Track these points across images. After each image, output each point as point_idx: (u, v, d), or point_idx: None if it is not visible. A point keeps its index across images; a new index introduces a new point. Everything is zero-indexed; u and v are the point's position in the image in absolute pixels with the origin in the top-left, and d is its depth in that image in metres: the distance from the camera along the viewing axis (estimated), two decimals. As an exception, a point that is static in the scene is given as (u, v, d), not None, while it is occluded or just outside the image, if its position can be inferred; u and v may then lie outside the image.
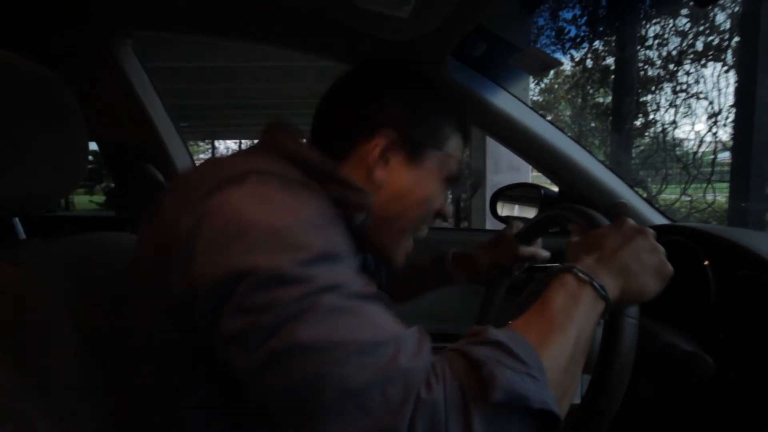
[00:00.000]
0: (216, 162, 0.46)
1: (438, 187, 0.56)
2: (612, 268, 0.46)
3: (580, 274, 0.43)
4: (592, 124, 4.43)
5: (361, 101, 0.54)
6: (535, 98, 6.04)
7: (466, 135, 0.59)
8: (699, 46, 2.74)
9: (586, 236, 0.52)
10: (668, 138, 2.98)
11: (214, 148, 17.49)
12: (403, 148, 0.53)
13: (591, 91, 4.35)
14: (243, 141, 18.35)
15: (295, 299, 0.34)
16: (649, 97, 3.11)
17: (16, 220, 0.63)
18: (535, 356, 0.36)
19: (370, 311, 0.37)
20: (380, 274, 0.70)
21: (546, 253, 0.82)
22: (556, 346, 0.39)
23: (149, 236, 0.44)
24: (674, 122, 2.90)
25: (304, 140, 0.54)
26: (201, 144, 18.48)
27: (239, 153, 0.52)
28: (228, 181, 0.40)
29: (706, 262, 0.61)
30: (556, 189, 1.09)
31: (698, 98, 2.69)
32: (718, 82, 2.53)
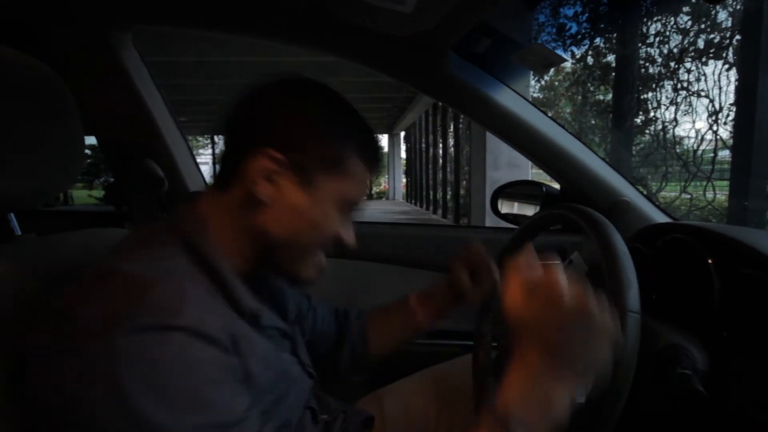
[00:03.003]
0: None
1: (332, 212, 0.53)
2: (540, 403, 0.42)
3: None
4: (593, 122, 4.43)
5: (247, 122, 0.52)
6: (535, 95, 6.04)
7: (372, 158, 0.56)
8: (700, 43, 2.74)
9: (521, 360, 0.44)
10: (668, 136, 2.97)
11: (213, 143, 17.47)
12: (292, 171, 0.50)
13: (591, 89, 4.34)
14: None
15: None
16: (650, 94, 3.10)
17: (12, 215, 0.62)
18: None
19: None
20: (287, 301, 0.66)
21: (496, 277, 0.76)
22: None
23: None
24: (675, 120, 2.89)
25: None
26: (200, 139, 18.48)
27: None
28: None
29: (709, 261, 0.61)
30: (557, 186, 1.08)
31: (699, 96, 2.68)
32: (719, 80, 2.53)
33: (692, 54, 2.75)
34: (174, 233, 0.49)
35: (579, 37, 3.62)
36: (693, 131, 2.77)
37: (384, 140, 18.96)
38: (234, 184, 0.51)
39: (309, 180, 0.51)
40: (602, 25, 3.57)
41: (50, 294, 0.48)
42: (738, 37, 2.49)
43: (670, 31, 2.93)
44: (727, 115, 2.49)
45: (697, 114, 2.76)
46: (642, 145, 3.29)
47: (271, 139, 0.49)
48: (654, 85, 3.06)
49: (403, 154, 17.12)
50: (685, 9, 2.82)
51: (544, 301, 0.42)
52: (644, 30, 3.09)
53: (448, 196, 9.67)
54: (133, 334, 0.38)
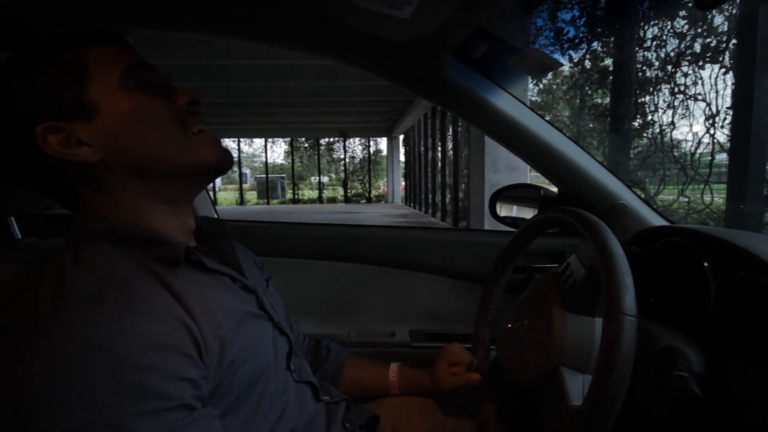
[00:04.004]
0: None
1: (134, 97, 0.50)
2: None
3: None
4: (591, 125, 4.44)
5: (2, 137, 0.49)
6: (533, 99, 6.06)
7: (98, 39, 0.51)
8: (697, 47, 2.75)
9: None
10: (666, 139, 2.98)
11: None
12: (71, 121, 0.48)
13: (589, 92, 4.36)
14: (241, 139, 18.38)
15: None
16: (647, 98, 3.12)
17: (12, 219, 0.63)
18: None
19: None
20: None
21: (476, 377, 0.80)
22: None
23: None
24: (672, 123, 2.91)
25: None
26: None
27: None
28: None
29: (706, 264, 0.61)
30: (555, 189, 1.09)
31: (696, 100, 2.70)
32: (716, 84, 2.54)
33: (689, 58, 2.76)
34: (86, 233, 0.49)
35: (577, 41, 3.63)
36: (690, 135, 2.78)
37: (383, 143, 19.00)
38: (74, 180, 0.50)
39: (85, 107, 0.48)
40: (600, 29, 3.58)
41: None
42: (734, 41, 2.50)
43: (667, 35, 2.94)
44: (724, 119, 2.51)
45: (695, 117, 2.77)
46: (640, 149, 3.30)
47: (28, 123, 0.47)
48: (651, 89, 3.08)
49: (402, 157, 17.14)
50: (682, 13, 2.84)
51: None
52: (641, 34, 3.11)
53: (447, 199, 9.68)
54: (49, 329, 0.38)
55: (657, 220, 0.99)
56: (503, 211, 1.19)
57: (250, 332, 0.54)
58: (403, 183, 17.24)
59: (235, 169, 22.54)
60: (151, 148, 0.50)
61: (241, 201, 19.56)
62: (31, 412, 0.35)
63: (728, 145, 2.41)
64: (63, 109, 0.48)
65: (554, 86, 6.03)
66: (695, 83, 2.69)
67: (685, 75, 2.76)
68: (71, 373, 0.36)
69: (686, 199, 2.78)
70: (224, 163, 0.55)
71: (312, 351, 0.85)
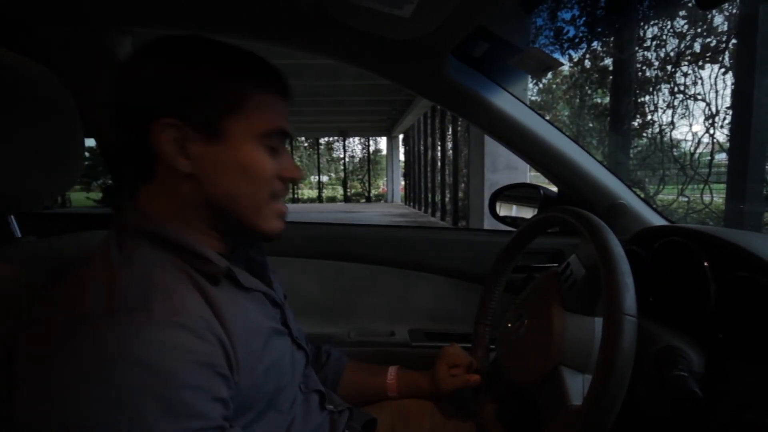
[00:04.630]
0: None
1: (257, 152, 0.51)
2: None
3: None
4: (590, 125, 4.44)
5: (129, 102, 0.49)
6: (533, 98, 6.06)
7: (270, 82, 0.53)
8: (697, 47, 2.75)
9: None
10: (666, 139, 2.99)
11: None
12: (195, 131, 0.48)
13: (589, 92, 4.36)
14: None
15: None
16: (647, 97, 3.12)
17: (11, 217, 0.63)
18: None
19: None
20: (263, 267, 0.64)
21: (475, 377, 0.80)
22: None
23: None
24: (672, 123, 2.91)
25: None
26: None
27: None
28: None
29: (705, 264, 0.61)
30: (555, 189, 1.09)
31: (696, 99, 2.70)
32: (716, 84, 2.54)
33: (689, 57, 2.76)
34: (132, 230, 0.49)
35: (576, 40, 3.64)
36: (690, 134, 2.79)
37: (383, 143, 18.99)
38: (155, 169, 0.50)
39: (215, 131, 0.49)
40: (599, 29, 3.58)
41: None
42: (734, 40, 2.50)
43: (666, 34, 2.94)
44: (724, 119, 2.51)
45: (694, 117, 2.78)
46: (639, 148, 3.30)
47: (159, 109, 0.47)
48: (651, 89, 3.08)
49: (402, 157, 17.14)
50: (682, 13, 2.84)
51: None
52: (641, 33, 3.11)
53: (447, 199, 9.68)
54: (95, 333, 0.38)
55: (657, 220, 0.99)
56: (503, 210, 1.19)
57: (275, 350, 0.55)
58: (403, 182, 17.24)
59: (235, 168, 22.46)
60: (237, 197, 0.51)
61: (241, 200, 19.49)
62: (69, 420, 0.35)
63: (728, 144, 2.41)
64: (197, 118, 0.48)
65: (554, 86, 6.03)
66: (695, 83, 2.69)
67: (685, 75, 2.76)
68: (115, 383, 0.36)
69: (686, 199, 2.78)
70: (278, 236, 0.57)
71: (312, 355, 0.85)
